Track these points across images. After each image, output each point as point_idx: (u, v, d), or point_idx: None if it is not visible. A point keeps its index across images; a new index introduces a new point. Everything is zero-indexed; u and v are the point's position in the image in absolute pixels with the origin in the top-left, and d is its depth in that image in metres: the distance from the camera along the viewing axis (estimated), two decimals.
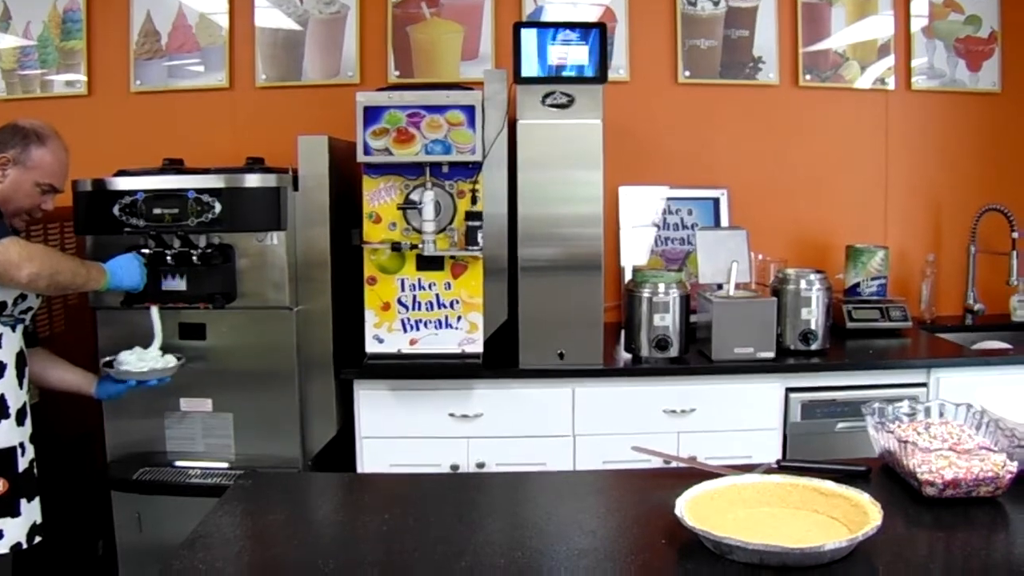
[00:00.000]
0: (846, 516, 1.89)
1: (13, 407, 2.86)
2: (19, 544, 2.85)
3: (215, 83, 4.41)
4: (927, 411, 2.35)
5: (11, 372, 2.87)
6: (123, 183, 3.45)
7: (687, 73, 4.33)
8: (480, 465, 3.53)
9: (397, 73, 4.33)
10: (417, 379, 3.53)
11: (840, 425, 3.56)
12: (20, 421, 2.89)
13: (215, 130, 4.35)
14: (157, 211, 3.39)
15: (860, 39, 4.43)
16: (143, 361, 3.29)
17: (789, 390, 3.58)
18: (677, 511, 1.86)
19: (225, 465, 3.56)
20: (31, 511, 2.89)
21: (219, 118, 4.39)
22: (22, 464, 2.87)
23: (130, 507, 3.60)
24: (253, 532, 2.22)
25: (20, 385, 2.92)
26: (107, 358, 3.32)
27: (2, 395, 2.83)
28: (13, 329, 2.91)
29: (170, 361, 3.33)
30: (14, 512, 2.83)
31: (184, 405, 3.55)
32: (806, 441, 3.57)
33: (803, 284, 3.68)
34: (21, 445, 2.88)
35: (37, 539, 2.91)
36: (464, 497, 2.40)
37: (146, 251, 3.36)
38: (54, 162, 2.99)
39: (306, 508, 2.45)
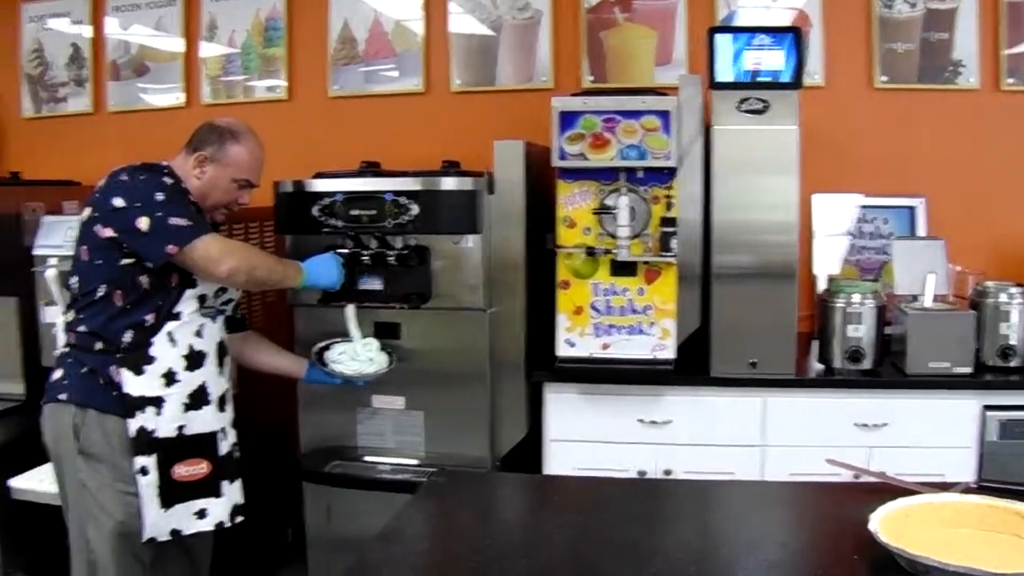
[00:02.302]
0: None
1: (214, 394, 2.99)
2: (222, 522, 2.99)
3: (410, 88, 4.54)
4: None
5: (212, 360, 3.00)
6: (322, 185, 3.58)
7: (883, 78, 4.22)
8: (667, 472, 3.51)
9: (591, 78, 4.35)
10: (607, 384, 3.55)
11: None
12: (221, 407, 3.02)
13: (410, 133, 4.46)
14: (355, 212, 3.49)
15: None
16: (355, 361, 3.40)
17: (986, 407, 3.43)
18: (871, 527, 1.82)
19: (415, 462, 3.64)
20: (233, 492, 3.03)
21: (414, 122, 4.51)
22: (223, 448, 3.01)
23: (320, 498, 3.72)
24: (445, 528, 2.27)
25: (221, 373, 3.04)
26: (319, 345, 3.47)
27: (204, 383, 2.96)
28: (213, 320, 3.04)
29: (382, 363, 3.44)
30: (217, 493, 2.97)
31: (376, 402, 3.64)
32: (1004, 462, 3.41)
33: (1003, 297, 3.53)
34: (223, 430, 3.01)
35: (239, 519, 3.05)
36: (653, 503, 2.41)
37: (344, 251, 3.45)
38: (250, 158, 3.09)
39: (497, 507, 2.49)
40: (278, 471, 3.99)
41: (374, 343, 3.46)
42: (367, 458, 3.71)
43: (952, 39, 4.20)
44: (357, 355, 3.42)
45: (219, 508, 2.98)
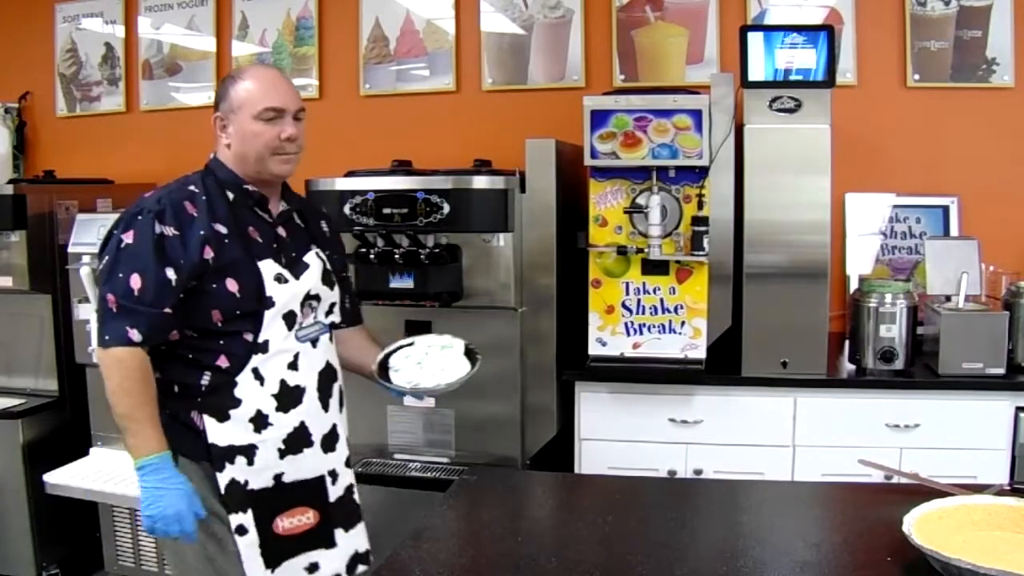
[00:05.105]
0: None
1: (318, 434, 2.57)
2: (338, 575, 2.62)
3: (442, 87, 4.55)
4: None
5: (312, 395, 2.56)
6: (354, 183, 3.59)
7: (916, 76, 4.18)
8: (698, 472, 3.51)
9: (622, 77, 4.35)
10: (639, 383, 3.55)
11: None
12: (329, 447, 2.61)
13: (442, 132, 4.47)
14: (387, 211, 3.50)
15: None
16: (419, 369, 2.71)
17: (1019, 409, 3.40)
18: (905, 528, 1.81)
19: (445, 460, 3.65)
20: (350, 540, 2.64)
21: (446, 121, 4.52)
22: (334, 493, 2.61)
23: None
24: (476, 527, 2.28)
25: (326, 407, 2.60)
26: (389, 348, 2.77)
27: (302, 423, 2.53)
28: (314, 344, 2.59)
29: (452, 374, 2.71)
30: (330, 543, 2.59)
31: (407, 400, 3.62)
32: None
33: None
34: (332, 472, 2.60)
35: (361, 568, 2.67)
36: (684, 503, 2.41)
37: (374, 252, 3.47)
38: (258, 85, 2.51)
39: (529, 506, 2.49)
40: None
41: (455, 345, 2.83)
42: (397, 456, 3.72)
43: (986, 37, 4.15)
44: (423, 362, 2.74)
45: (334, 560, 2.59)
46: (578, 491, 2.66)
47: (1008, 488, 2.19)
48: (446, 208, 3.44)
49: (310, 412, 2.54)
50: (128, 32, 5.01)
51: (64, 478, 3.73)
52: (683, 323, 3.50)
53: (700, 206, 3.44)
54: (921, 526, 1.84)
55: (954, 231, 4.10)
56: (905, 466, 3.32)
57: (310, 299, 2.57)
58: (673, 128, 3.39)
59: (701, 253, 3.40)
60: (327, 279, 2.64)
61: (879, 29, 4.21)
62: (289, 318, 2.51)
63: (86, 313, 3.66)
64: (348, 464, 2.68)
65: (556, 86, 4.41)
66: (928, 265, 3.60)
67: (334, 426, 2.63)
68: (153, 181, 4.74)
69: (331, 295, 2.66)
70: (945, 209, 4.14)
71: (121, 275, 2.34)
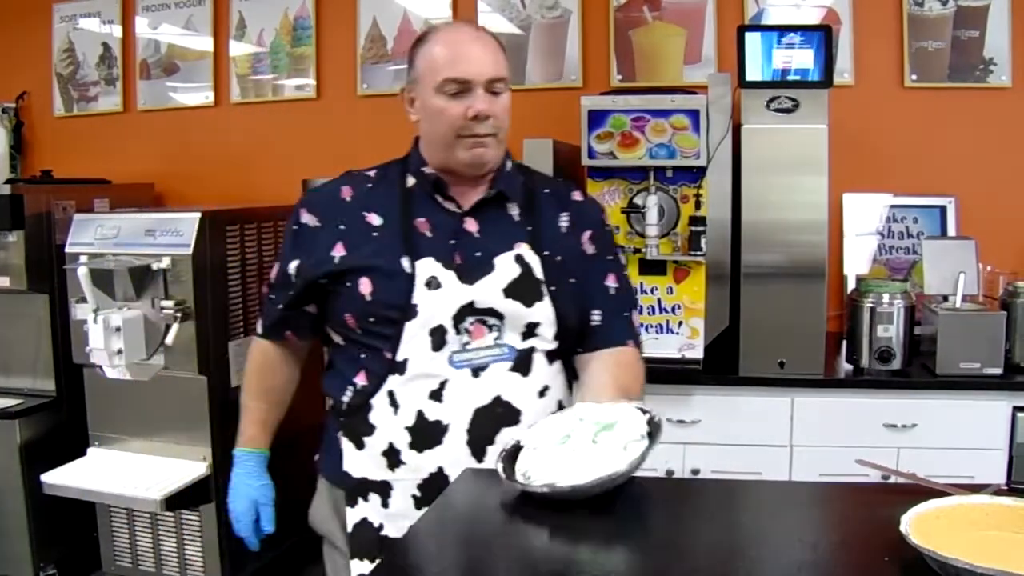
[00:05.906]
0: None
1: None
2: None
3: None
4: None
5: (457, 437, 2.05)
6: None
7: (913, 77, 4.18)
8: (695, 471, 3.50)
9: (620, 77, 4.34)
10: None
11: None
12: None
13: None
14: None
15: None
16: (558, 451, 1.85)
17: (1016, 409, 3.40)
18: (902, 528, 1.80)
19: None
20: None
21: None
22: None
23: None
24: (477, 527, 2.26)
25: (479, 455, 2.06)
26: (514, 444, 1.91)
27: (439, 469, 2.05)
28: (476, 373, 2.06)
29: (611, 467, 1.79)
30: None
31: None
32: None
33: None
34: None
35: None
36: (681, 502, 2.39)
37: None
38: (440, 52, 2.09)
39: (525, 507, 2.47)
40: (302, 470, 4.01)
41: (618, 422, 1.83)
42: None
43: (983, 37, 4.14)
44: (567, 443, 1.83)
45: None
46: None
47: (1006, 488, 2.17)
48: None
49: (453, 457, 2.03)
50: (125, 32, 5.00)
51: (62, 478, 3.72)
52: (680, 323, 3.50)
53: (697, 206, 3.45)
54: (918, 526, 1.82)
55: (951, 231, 4.09)
56: (903, 466, 3.32)
57: (478, 312, 2.05)
58: (671, 128, 3.39)
59: (698, 253, 3.41)
60: (522, 290, 2.08)
61: (876, 29, 4.20)
62: (437, 334, 2.03)
63: (83, 313, 3.65)
64: None
65: (553, 86, 4.40)
66: (925, 265, 3.60)
67: None
68: (151, 181, 4.78)
69: (525, 313, 2.08)
70: (942, 209, 4.13)
71: (276, 264, 2.27)
